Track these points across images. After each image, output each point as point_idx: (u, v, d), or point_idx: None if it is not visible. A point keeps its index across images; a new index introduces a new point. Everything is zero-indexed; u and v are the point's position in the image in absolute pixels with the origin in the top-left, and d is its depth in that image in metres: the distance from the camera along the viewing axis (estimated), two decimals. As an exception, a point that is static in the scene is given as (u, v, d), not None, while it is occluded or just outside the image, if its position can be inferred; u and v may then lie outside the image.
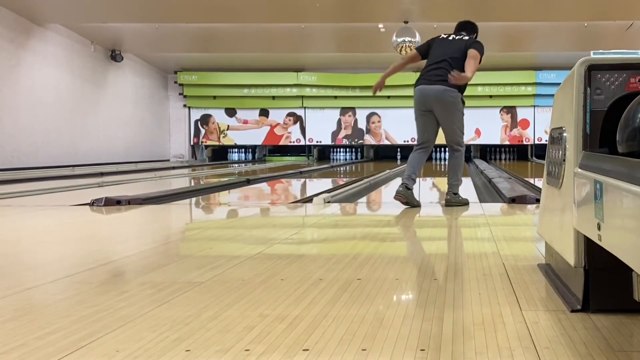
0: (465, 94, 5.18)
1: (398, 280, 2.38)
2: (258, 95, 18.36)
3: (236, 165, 16.99)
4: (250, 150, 19.34)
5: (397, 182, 9.88)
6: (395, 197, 5.14)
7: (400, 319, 1.83)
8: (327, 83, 18.10)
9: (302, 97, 18.26)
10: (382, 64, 16.87)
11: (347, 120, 18.42)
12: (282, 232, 3.79)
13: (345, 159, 18.78)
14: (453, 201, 5.28)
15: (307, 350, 1.56)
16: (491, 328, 1.73)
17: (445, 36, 5.34)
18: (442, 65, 5.10)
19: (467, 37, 5.28)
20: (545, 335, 1.67)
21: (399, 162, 17.12)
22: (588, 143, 1.91)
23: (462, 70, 5.00)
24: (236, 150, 19.31)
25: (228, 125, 18.60)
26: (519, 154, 18.53)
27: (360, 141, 18.48)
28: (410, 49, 12.33)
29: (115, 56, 15.38)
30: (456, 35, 5.33)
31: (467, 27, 5.43)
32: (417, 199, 5.28)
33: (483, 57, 5.13)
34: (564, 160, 2.03)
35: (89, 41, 14.36)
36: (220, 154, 19.24)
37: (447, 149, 5.37)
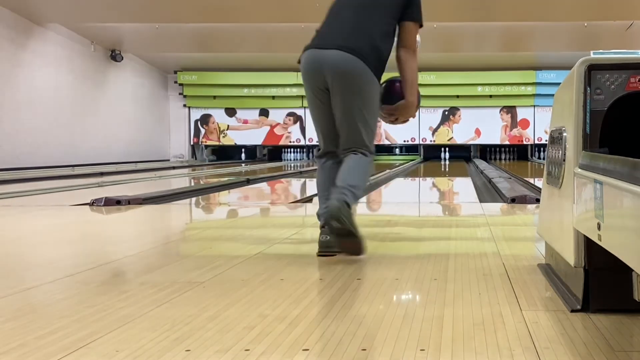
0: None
1: (398, 280, 2.38)
2: (258, 95, 18.35)
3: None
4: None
5: (397, 182, 9.90)
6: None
7: (400, 319, 1.83)
8: (327, 83, 18.09)
9: (302, 97, 18.22)
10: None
11: (347, 120, 18.40)
12: (282, 232, 3.78)
13: (345, 159, 18.74)
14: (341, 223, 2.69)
15: (307, 350, 1.56)
16: (491, 328, 1.73)
17: None
18: None
19: None
20: (545, 335, 1.67)
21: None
22: (588, 143, 1.91)
23: None
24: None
25: (228, 125, 18.60)
26: (519, 154, 18.54)
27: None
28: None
29: (115, 56, 15.38)
30: None
31: None
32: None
33: None
34: (564, 160, 2.03)
35: (89, 41, 14.35)
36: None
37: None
